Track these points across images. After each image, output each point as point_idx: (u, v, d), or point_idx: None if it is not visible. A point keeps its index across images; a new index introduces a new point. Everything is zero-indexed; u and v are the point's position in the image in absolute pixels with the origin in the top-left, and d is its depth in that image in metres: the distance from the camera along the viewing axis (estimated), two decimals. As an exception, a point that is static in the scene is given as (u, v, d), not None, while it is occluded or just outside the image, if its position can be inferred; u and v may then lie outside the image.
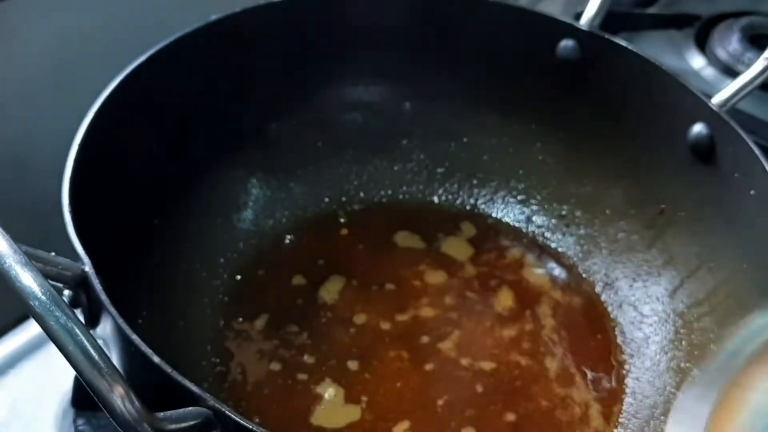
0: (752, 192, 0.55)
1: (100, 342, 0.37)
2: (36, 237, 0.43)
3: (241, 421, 0.39)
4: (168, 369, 0.41)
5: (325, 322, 0.61)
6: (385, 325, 0.61)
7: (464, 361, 0.59)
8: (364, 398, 0.56)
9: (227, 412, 0.39)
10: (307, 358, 0.58)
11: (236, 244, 0.64)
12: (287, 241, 0.65)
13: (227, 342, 0.59)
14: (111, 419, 0.37)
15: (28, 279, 0.36)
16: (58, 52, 0.68)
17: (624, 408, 0.57)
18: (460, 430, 0.56)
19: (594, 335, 0.62)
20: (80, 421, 0.57)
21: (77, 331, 0.36)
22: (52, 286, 0.37)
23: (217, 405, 0.40)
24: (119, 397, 0.36)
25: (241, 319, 0.60)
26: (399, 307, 0.62)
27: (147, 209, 0.59)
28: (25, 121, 0.67)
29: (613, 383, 0.58)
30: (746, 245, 0.55)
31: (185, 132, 0.61)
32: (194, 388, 0.40)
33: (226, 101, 0.63)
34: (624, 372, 0.59)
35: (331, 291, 0.63)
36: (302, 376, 0.57)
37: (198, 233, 0.62)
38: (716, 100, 0.58)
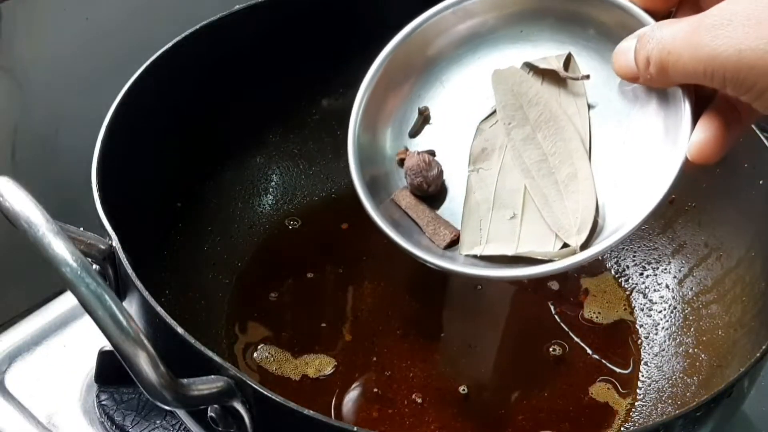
0: (761, 182, 0.56)
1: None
2: (65, 218, 0.44)
3: (261, 390, 0.41)
4: (191, 339, 0.43)
5: (341, 302, 0.63)
6: (402, 302, 0.62)
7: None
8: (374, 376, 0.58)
9: (248, 381, 0.41)
10: (321, 336, 0.60)
11: (255, 228, 0.65)
12: (304, 225, 0.67)
13: (245, 320, 0.60)
14: (137, 382, 0.39)
15: (60, 247, 0.38)
16: (86, 41, 0.69)
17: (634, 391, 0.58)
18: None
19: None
20: (103, 396, 0.59)
21: (106, 297, 0.37)
22: (82, 258, 0.39)
23: (238, 374, 0.41)
24: (146, 362, 0.38)
25: (258, 298, 0.62)
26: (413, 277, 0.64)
27: (171, 193, 0.61)
28: (56, 107, 0.68)
29: (624, 368, 0.60)
30: (754, 234, 0.56)
31: (209, 118, 0.62)
32: (216, 358, 0.42)
33: (250, 90, 0.65)
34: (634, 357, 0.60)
35: (346, 272, 0.64)
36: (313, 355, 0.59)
37: (219, 217, 0.64)
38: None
